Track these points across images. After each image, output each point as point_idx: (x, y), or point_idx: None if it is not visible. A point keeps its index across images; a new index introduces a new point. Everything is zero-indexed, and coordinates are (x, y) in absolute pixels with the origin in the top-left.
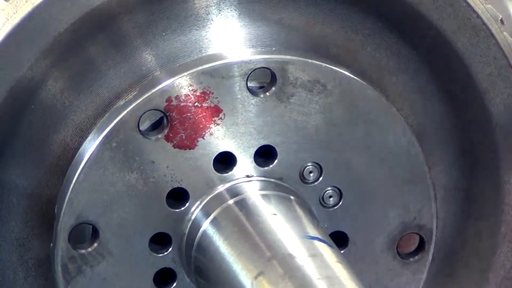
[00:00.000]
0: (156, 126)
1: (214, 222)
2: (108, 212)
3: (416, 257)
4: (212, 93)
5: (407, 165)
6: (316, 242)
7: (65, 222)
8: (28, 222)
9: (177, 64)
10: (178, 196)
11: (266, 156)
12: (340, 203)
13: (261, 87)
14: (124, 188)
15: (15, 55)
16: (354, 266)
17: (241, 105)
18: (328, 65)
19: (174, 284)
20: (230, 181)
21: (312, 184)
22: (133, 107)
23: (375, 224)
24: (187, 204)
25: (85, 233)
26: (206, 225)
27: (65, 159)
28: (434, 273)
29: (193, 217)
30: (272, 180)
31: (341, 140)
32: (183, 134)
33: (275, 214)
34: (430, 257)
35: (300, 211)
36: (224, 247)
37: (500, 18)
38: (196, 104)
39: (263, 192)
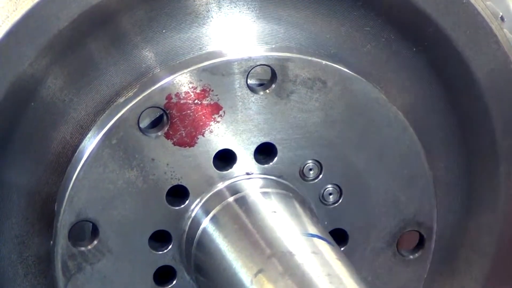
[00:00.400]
0: (156, 123)
1: (214, 220)
2: (108, 210)
3: (416, 254)
4: (212, 90)
5: (407, 162)
6: (316, 240)
7: (65, 220)
8: (28, 220)
9: (177, 62)
10: (178, 194)
11: (266, 153)
12: (340, 200)
13: (261, 85)
14: (124, 186)
15: (15, 52)
16: (354, 264)
17: (241, 102)
18: (328, 63)
19: (174, 282)
20: (230, 178)
21: (312, 182)
22: (133, 104)
23: (375, 221)
24: (187, 202)
25: (85, 231)
26: (206, 223)
27: (65, 156)
28: (434, 270)
29: (193, 215)
30: (272, 177)
31: (341, 137)
32: (183, 132)
33: (275, 212)
34: (431, 254)
35: (300, 209)
36: (224, 245)
37: (500, 15)
38: (196, 101)
39: (263, 190)
